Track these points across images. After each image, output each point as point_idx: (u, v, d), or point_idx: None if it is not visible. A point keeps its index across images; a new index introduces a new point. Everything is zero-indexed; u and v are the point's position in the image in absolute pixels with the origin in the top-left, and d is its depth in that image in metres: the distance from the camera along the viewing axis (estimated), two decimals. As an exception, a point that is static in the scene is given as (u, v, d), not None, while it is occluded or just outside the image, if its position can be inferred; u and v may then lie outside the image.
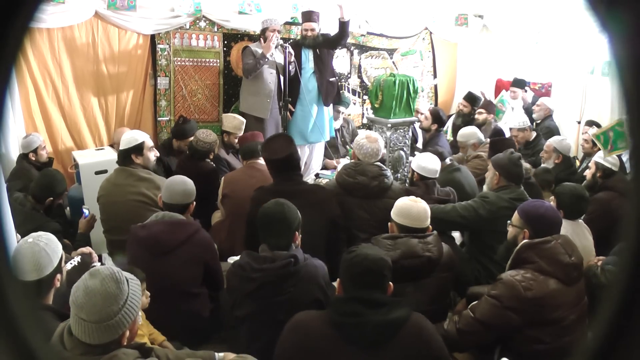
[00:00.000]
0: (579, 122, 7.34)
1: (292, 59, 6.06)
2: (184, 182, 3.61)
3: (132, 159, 4.10)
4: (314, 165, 6.63)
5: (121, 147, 4.14)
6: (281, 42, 6.08)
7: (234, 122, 5.74)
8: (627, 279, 0.64)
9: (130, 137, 4.16)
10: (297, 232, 2.88)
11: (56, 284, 2.55)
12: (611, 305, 0.65)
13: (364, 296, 2.25)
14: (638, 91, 0.60)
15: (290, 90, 6.06)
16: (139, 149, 4.13)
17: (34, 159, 5.11)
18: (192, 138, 5.33)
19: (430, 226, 3.23)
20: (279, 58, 6.14)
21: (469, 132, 5.90)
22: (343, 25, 6.16)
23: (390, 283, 2.38)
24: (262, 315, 2.76)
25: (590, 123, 6.35)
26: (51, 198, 4.12)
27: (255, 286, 2.75)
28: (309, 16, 6.24)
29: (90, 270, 2.01)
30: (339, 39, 6.36)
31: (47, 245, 2.51)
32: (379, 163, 3.94)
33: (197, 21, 6.48)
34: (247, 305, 2.81)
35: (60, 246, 2.61)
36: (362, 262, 2.32)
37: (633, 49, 0.59)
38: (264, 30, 6.11)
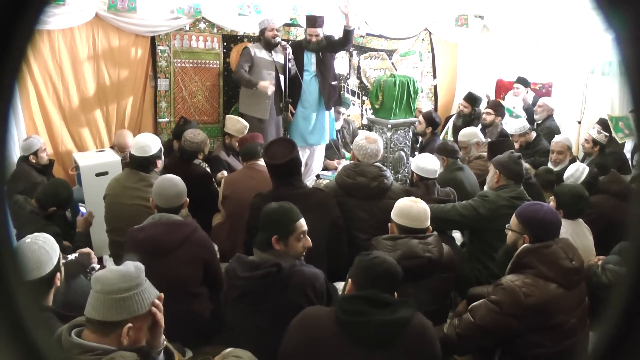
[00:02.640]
0: (580, 122, 7.35)
1: (290, 56, 6.08)
2: (172, 186, 3.50)
3: (148, 166, 4.12)
4: (315, 166, 6.63)
5: (137, 154, 4.13)
6: (279, 40, 6.12)
7: (237, 125, 5.72)
8: (632, 279, 0.64)
9: (146, 144, 4.15)
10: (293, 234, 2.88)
11: (56, 283, 2.56)
12: (616, 306, 0.65)
13: (370, 296, 2.28)
14: None
15: (291, 92, 6.07)
16: (157, 157, 4.18)
17: (34, 161, 5.09)
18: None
19: (430, 227, 3.23)
20: (278, 58, 6.16)
21: (470, 132, 5.90)
22: (347, 33, 6.18)
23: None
24: (246, 322, 2.78)
25: (601, 122, 6.30)
26: (54, 208, 4.11)
27: (238, 293, 2.78)
28: (313, 22, 6.21)
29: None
30: (342, 44, 6.37)
31: (46, 243, 2.54)
32: (378, 164, 3.94)
33: (197, 23, 6.48)
34: (233, 310, 2.86)
35: (57, 245, 2.63)
36: (382, 263, 2.39)
37: (636, 48, 0.59)
38: (262, 31, 6.14)
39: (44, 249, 2.50)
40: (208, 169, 5.27)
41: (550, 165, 5.67)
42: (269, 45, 6.15)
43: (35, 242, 2.51)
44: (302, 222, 2.90)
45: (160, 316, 2.20)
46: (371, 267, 2.38)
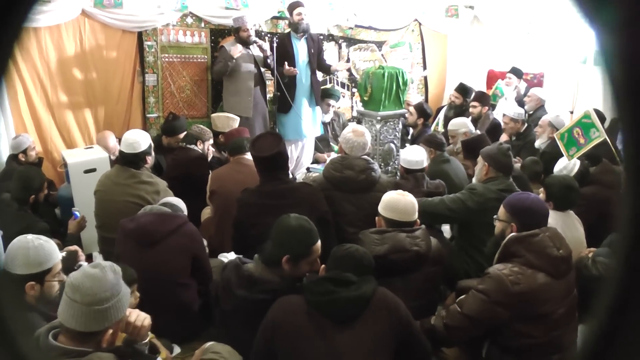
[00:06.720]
0: (572, 112, 7.33)
1: (268, 53, 6.15)
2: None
3: (138, 163, 4.11)
4: (305, 159, 6.63)
5: (126, 151, 4.10)
6: (253, 39, 6.15)
7: (227, 121, 5.73)
8: (622, 271, 0.64)
9: (135, 141, 4.11)
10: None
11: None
12: (605, 299, 0.64)
13: (334, 276, 2.47)
14: (626, 82, 0.59)
15: (285, 86, 6.12)
16: (147, 153, 4.16)
17: (23, 159, 5.08)
18: (182, 135, 5.37)
19: (418, 220, 3.21)
20: (256, 51, 6.22)
21: (460, 122, 5.89)
22: (329, 70, 6.72)
23: None
24: (238, 331, 2.76)
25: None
26: (32, 195, 4.10)
27: (232, 307, 2.79)
28: (296, 4, 6.23)
29: (92, 263, 2.10)
30: (319, 68, 6.63)
31: (47, 241, 2.63)
32: (366, 156, 3.91)
33: (184, 17, 6.47)
34: (228, 318, 2.87)
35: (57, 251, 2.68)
36: (347, 248, 2.61)
37: (622, 39, 0.58)
38: (237, 29, 6.13)
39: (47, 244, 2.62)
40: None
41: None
42: (245, 43, 6.15)
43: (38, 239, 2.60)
44: (318, 246, 2.78)
45: (142, 318, 2.21)
46: (336, 251, 2.63)
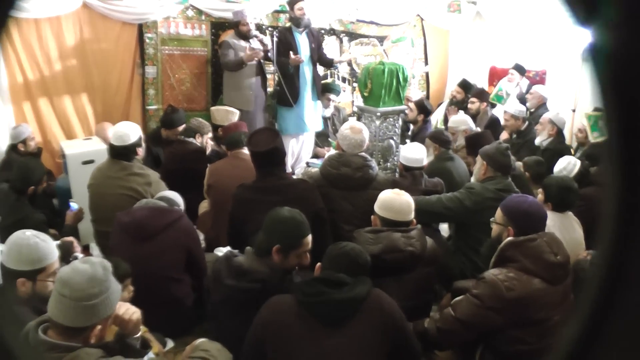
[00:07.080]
0: (574, 111, 7.30)
1: (269, 47, 6.14)
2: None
3: (129, 155, 4.10)
4: (304, 154, 6.62)
5: (116, 143, 4.09)
6: (253, 33, 6.16)
7: (227, 115, 5.71)
8: (605, 273, 0.63)
9: (125, 133, 4.10)
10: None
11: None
12: (589, 301, 0.64)
13: (326, 277, 2.44)
14: (619, 84, 0.59)
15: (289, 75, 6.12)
16: (137, 145, 4.15)
17: (22, 149, 5.10)
18: (181, 127, 5.36)
19: (414, 220, 3.19)
20: (256, 45, 6.19)
21: (461, 119, 5.87)
22: (331, 63, 6.70)
23: None
24: (228, 323, 2.78)
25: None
26: (32, 187, 4.13)
27: (222, 298, 2.81)
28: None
29: (82, 258, 2.13)
30: (321, 62, 6.61)
31: (45, 241, 2.58)
32: (363, 154, 3.88)
33: (185, 10, 6.46)
34: (218, 310, 2.88)
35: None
36: (342, 247, 2.58)
37: (620, 38, 0.58)
38: (236, 23, 6.13)
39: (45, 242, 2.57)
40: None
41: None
42: (244, 37, 6.15)
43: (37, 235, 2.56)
44: (309, 239, 2.81)
45: (131, 312, 2.20)
46: (332, 250, 2.59)
